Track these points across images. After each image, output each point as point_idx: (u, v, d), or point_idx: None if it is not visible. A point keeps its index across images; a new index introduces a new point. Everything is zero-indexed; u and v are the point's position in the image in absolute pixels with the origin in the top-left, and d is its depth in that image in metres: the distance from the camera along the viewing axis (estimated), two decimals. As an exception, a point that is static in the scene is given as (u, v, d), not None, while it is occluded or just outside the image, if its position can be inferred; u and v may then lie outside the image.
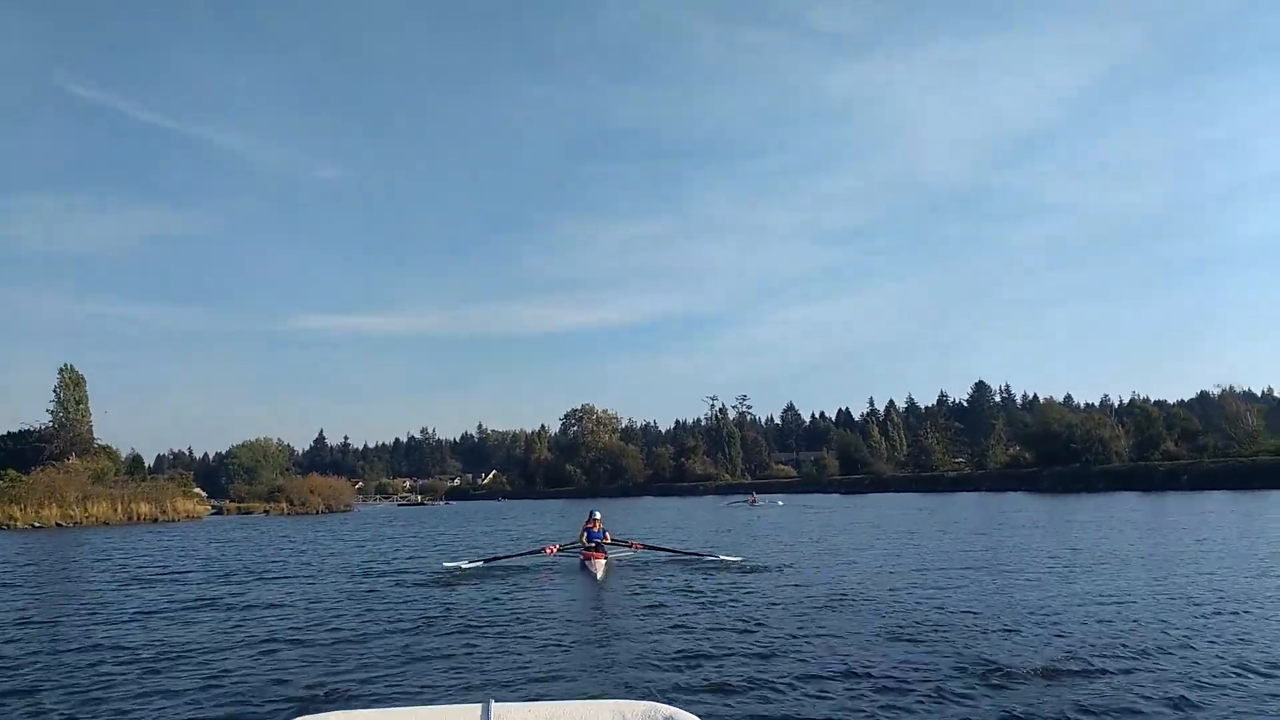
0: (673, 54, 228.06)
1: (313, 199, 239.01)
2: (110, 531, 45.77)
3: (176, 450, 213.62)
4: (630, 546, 19.65)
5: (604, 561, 17.36)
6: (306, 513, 72.05)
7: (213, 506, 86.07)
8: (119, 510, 55.87)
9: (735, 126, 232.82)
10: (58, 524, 51.98)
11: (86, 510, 54.14)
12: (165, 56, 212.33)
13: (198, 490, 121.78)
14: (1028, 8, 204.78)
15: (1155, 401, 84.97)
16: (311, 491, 75.04)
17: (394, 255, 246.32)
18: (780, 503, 66.75)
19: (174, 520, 58.85)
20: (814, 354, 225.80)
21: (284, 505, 72.58)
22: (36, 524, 51.06)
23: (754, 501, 67.52)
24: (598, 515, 19.16)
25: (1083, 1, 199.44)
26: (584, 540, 18.60)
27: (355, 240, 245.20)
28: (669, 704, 3.34)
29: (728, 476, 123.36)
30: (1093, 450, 74.04)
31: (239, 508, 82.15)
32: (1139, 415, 79.52)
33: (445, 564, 18.36)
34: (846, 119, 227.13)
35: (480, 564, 18.12)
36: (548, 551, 19.44)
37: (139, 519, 56.73)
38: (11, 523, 50.12)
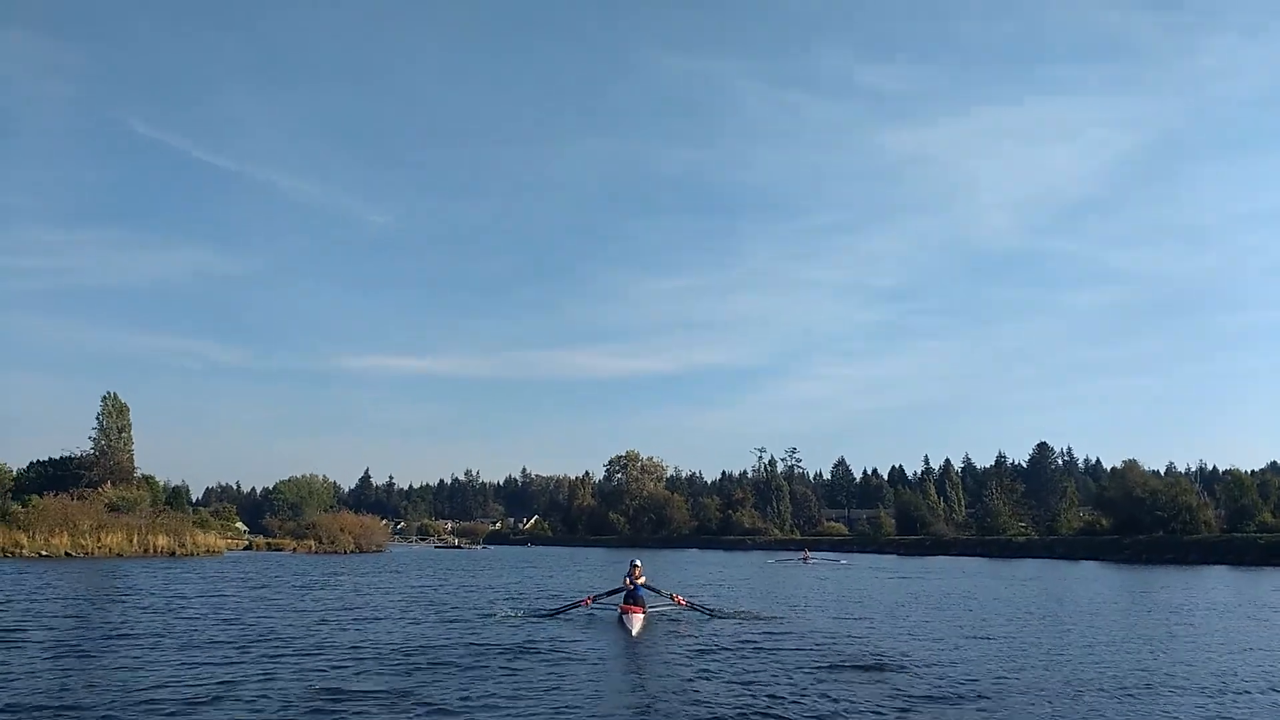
0: (721, 110, 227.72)
1: (363, 243, 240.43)
2: (110, 564, 42.26)
3: (225, 484, 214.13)
4: (673, 600, 18.88)
5: (641, 616, 16.67)
6: (335, 551, 68.44)
7: (245, 541, 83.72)
8: (134, 542, 52.43)
9: (783, 183, 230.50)
10: (67, 553, 48.62)
11: (99, 540, 50.73)
12: (224, 99, 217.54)
13: (239, 524, 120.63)
14: (1073, 78, 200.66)
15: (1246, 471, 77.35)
16: (341, 530, 71.27)
17: (440, 300, 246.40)
18: (843, 562, 61.71)
19: (191, 555, 55.25)
20: (864, 411, 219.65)
21: (312, 543, 68.89)
22: (44, 552, 47.71)
23: (806, 559, 63.28)
24: (638, 564, 18.60)
25: (1127, 72, 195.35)
26: (623, 591, 18.03)
27: (402, 284, 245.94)
28: None
29: (777, 532, 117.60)
30: (1179, 519, 67.17)
31: (268, 544, 79.61)
32: (1229, 482, 72.43)
33: (493, 614, 18.17)
34: (896, 179, 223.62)
35: (521, 615, 18.22)
36: (585, 603, 18.82)
37: (155, 551, 53.23)
38: (17, 550, 46.80)
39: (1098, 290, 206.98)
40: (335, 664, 12.34)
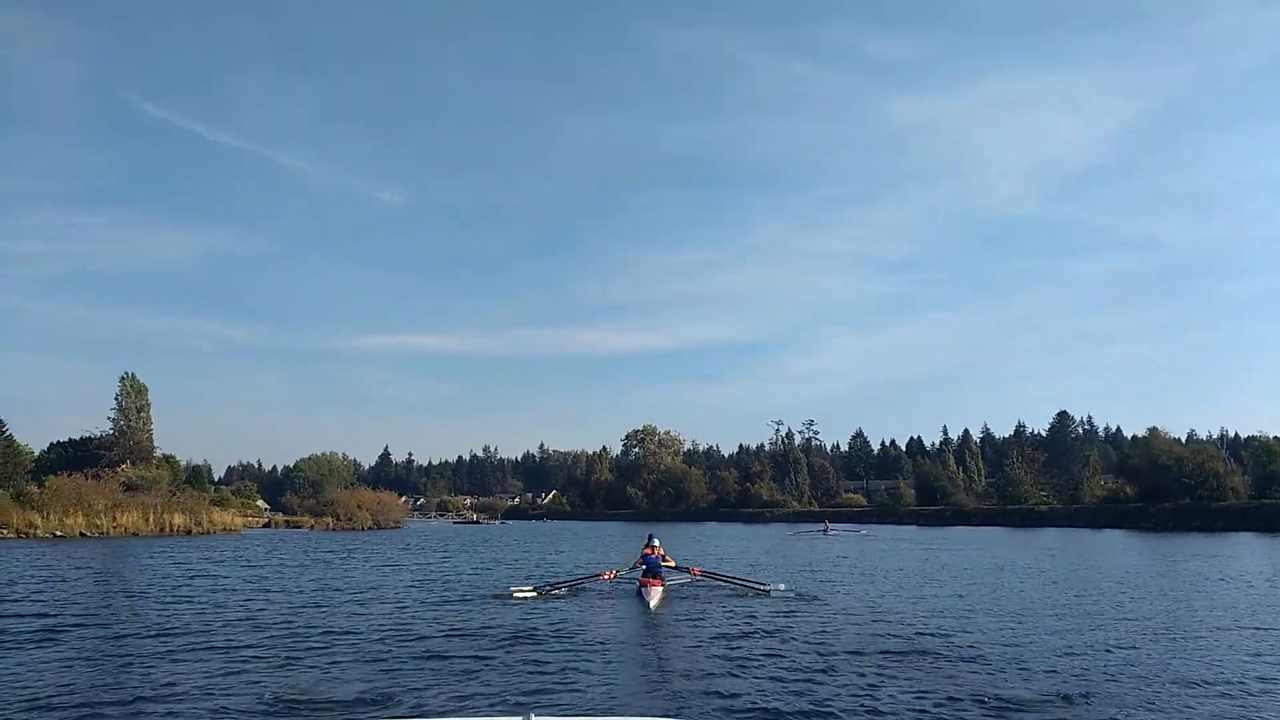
0: (725, 83, 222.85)
1: (373, 222, 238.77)
2: (122, 543, 41.76)
3: (246, 463, 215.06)
4: (690, 573, 19.10)
5: (660, 588, 17.00)
6: (353, 528, 68.10)
7: (265, 519, 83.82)
8: (150, 521, 52.01)
9: (788, 155, 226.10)
10: (82, 534, 48.21)
11: (115, 520, 50.31)
12: (233, 81, 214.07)
13: (259, 502, 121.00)
14: (1078, 46, 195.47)
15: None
16: (359, 506, 70.89)
17: (450, 278, 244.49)
18: (864, 532, 60.87)
19: (208, 533, 54.85)
20: (875, 382, 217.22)
21: (329, 520, 68.51)
22: (59, 533, 47.33)
23: (827, 530, 62.78)
24: (656, 541, 18.95)
25: (1132, 40, 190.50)
26: (642, 565, 18.31)
27: (412, 263, 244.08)
28: None
29: (795, 504, 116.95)
30: (1205, 485, 65.84)
31: (287, 521, 79.59)
32: (1257, 449, 70.81)
33: (513, 590, 17.90)
34: (902, 150, 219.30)
35: (543, 588, 18.13)
36: (605, 577, 19.18)
37: (171, 530, 52.80)
38: (31, 530, 46.41)
39: (1104, 259, 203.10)
40: (305, 653, 11.41)
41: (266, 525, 78.04)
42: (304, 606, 16.18)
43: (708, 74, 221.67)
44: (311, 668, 10.13)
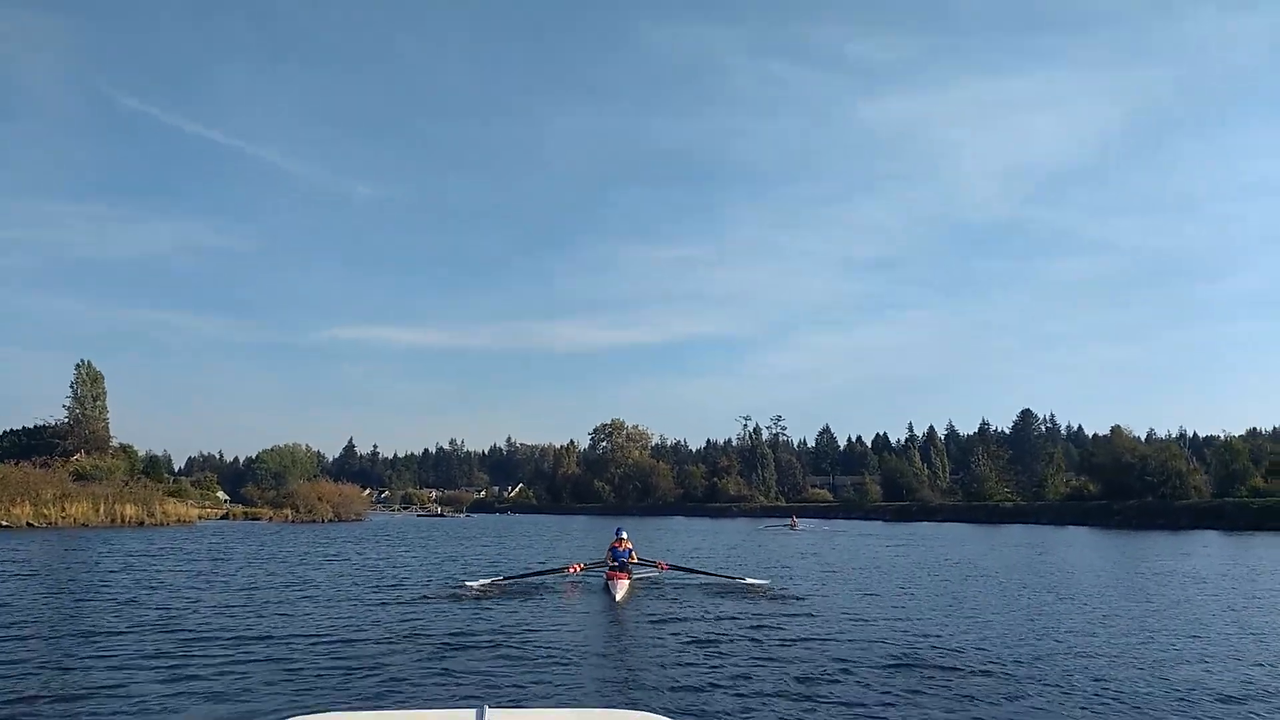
0: (711, 82, 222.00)
1: (350, 216, 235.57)
2: (74, 534, 40.08)
3: (208, 454, 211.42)
4: (657, 566, 18.99)
5: (627, 582, 16.87)
6: (313, 520, 66.63)
7: (224, 510, 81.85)
8: (101, 511, 50.17)
9: (769, 154, 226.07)
10: (29, 524, 46.34)
11: (64, 510, 48.43)
12: (215, 75, 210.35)
13: (219, 494, 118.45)
14: (1058, 48, 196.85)
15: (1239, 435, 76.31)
16: (319, 498, 69.31)
17: (428, 272, 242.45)
18: (826, 528, 60.53)
19: (161, 524, 53.07)
20: (849, 380, 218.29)
21: (288, 512, 66.90)
22: (4, 523, 45.41)
23: (794, 525, 62.36)
24: (624, 534, 18.86)
25: (1112, 43, 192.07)
26: (609, 559, 18.19)
27: (391, 258, 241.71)
28: (666, 716, 3.13)
29: (762, 499, 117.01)
30: (1169, 484, 66.09)
31: (246, 513, 77.71)
32: (1220, 448, 71.32)
33: (468, 582, 17.73)
34: (881, 150, 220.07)
35: (501, 580, 17.92)
36: (572, 570, 18.96)
37: (123, 521, 51.01)
38: (-26, 521, 44.51)
39: (1081, 260, 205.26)
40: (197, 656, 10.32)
41: (224, 517, 76.22)
42: (231, 605, 14.94)
43: (693, 71, 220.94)
44: (218, 674, 9.01)
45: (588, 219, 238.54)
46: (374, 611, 13.97)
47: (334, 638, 11.27)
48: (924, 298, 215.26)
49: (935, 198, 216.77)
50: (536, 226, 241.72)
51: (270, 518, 68.48)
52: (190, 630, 11.91)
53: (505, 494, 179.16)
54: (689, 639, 11.23)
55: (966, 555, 30.45)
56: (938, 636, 11.77)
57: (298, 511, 67.57)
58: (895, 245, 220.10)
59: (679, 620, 13.13)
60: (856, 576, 21.40)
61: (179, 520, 56.55)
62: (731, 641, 11.10)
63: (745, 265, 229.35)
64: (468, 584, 17.42)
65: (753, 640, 11.21)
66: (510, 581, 17.86)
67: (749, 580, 18.19)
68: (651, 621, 13.01)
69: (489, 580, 17.81)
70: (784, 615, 13.77)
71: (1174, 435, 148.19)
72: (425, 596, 16.12)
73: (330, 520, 68.54)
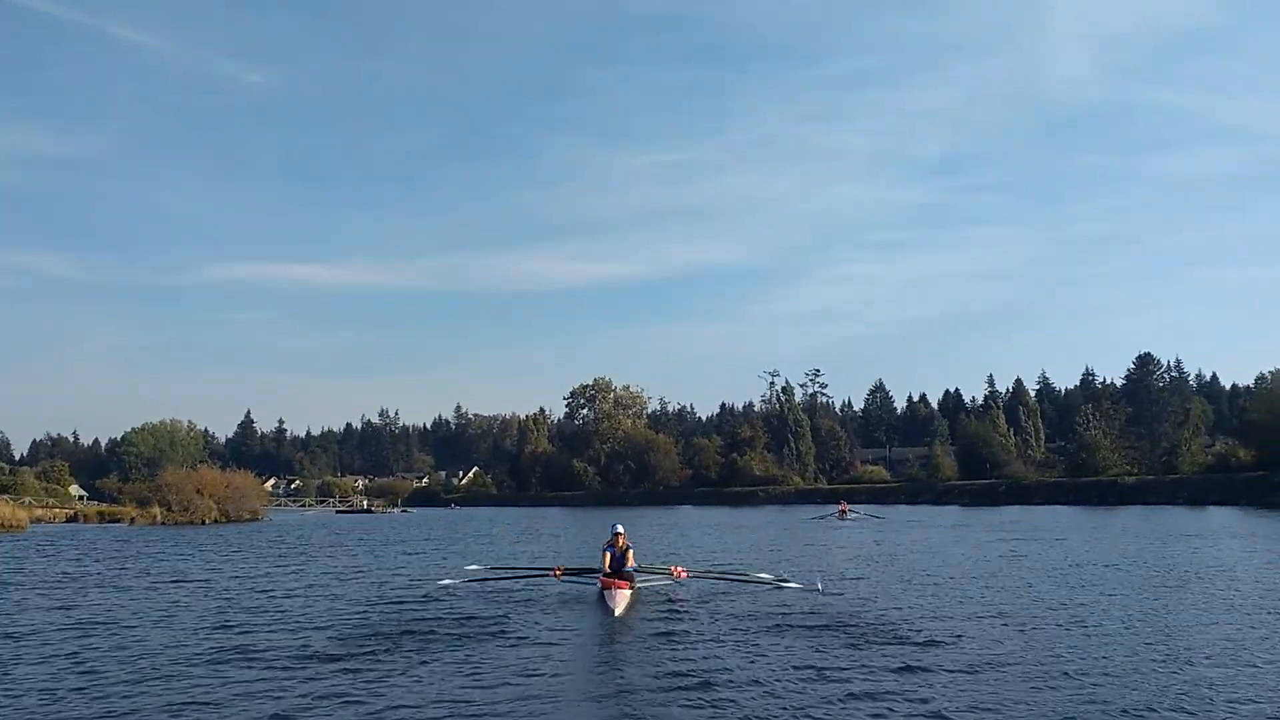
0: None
1: (233, 112, 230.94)
2: None
3: (59, 435, 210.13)
4: (671, 574, 18.98)
5: (628, 592, 16.90)
6: (190, 521, 64.39)
7: (73, 510, 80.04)
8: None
9: (794, 18, 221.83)
10: None
11: None
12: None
13: (72, 488, 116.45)
14: None
15: None
16: (199, 491, 66.86)
17: (340, 187, 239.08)
18: (883, 516, 59.96)
19: (-25, 531, 50.69)
20: (904, 320, 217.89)
21: (156, 511, 64.60)
22: None
23: (844, 513, 62.30)
24: (620, 529, 18.88)
25: None
26: (605, 563, 18.16)
27: (289, 167, 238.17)
28: None
29: (798, 480, 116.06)
30: (1354, 448, 64.90)
31: (102, 512, 75.70)
32: None
33: (440, 582, 19.18)
34: (942, 9, 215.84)
35: (478, 576, 19.77)
36: (553, 574, 19.16)
37: (-78, 528, 48.58)
38: None
39: (1204, 153, 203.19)
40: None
41: (72, 519, 74.40)
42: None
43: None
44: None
45: (552, 111, 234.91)
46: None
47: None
48: (1001, 208, 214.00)
49: (1013, 74, 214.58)
50: (483, 122, 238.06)
51: (133, 519, 66.19)
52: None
53: (456, 480, 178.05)
54: (704, 674, 10.80)
55: (1107, 553, 28.13)
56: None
57: (170, 510, 65.16)
58: (962, 139, 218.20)
59: (694, 641, 13.11)
60: (964, 589, 18.98)
61: (4, 526, 54.23)
62: (781, 672, 10.92)
63: (762, 171, 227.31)
64: (442, 584, 19.01)
65: (811, 665, 11.17)
66: (487, 579, 19.41)
67: (818, 586, 18.39)
68: (654, 645, 12.89)
69: (462, 580, 19.21)
70: (843, 632, 13.59)
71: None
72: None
73: (216, 520, 66.44)
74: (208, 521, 65.61)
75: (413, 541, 42.65)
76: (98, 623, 15.90)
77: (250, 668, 11.60)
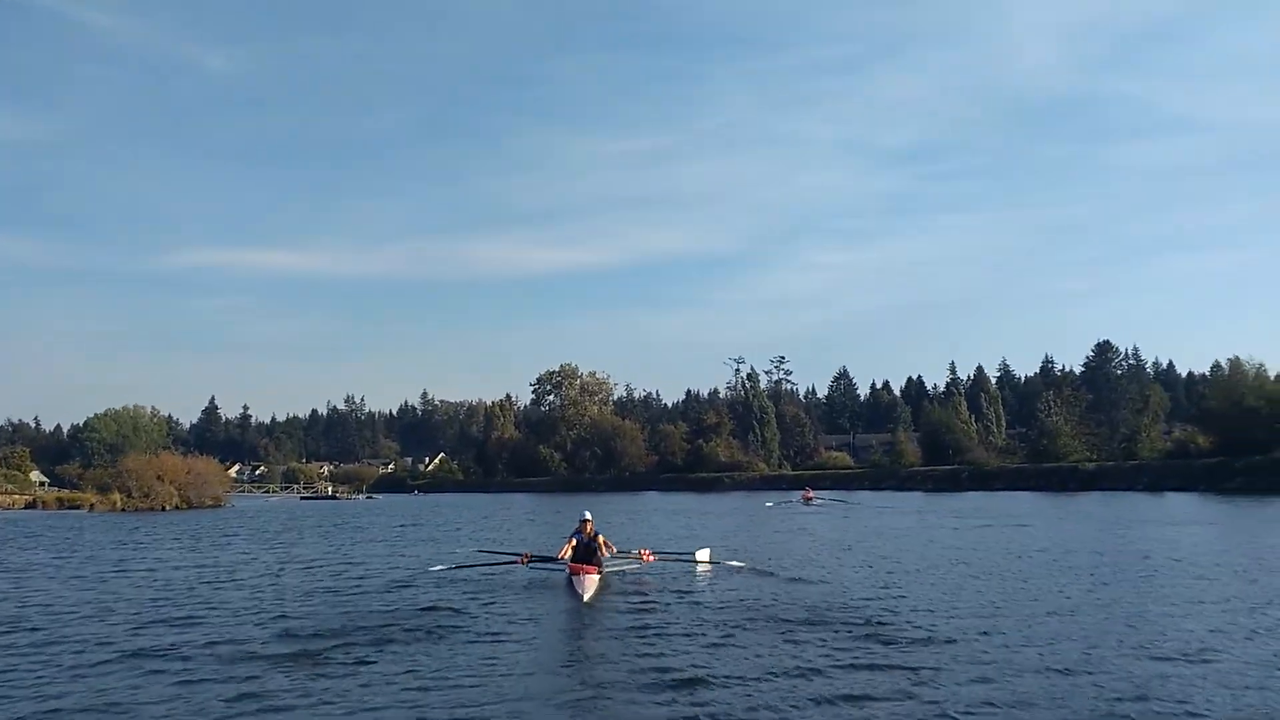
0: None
1: (196, 95, 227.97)
2: None
3: (19, 421, 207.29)
4: (640, 557, 19.46)
5: (597, 577, 17.11)
6: (151, 508, 63.65)
7: (31, 497, 79.33)
8: None
9: (759, 6, 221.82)
10: None
11: None
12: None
13: (34, 474, 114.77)
14: None
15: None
16: (160, 477, 66.01)
17: (304, 173, 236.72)
18: (853, 501, 60.17)
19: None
20: (869, 309, 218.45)
21: (116, 498, 63.82)
22: None
23: (809, 499, 62.05)
24: (587, 515, 18.97)
25: None
26: (571, 549, 18.22)
27: (252, 152, 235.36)
28: None
29: (763, 466, 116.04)
30: (1315, 434, 65.15)
31: (61, 498, 75.15)
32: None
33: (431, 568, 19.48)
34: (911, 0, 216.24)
35: (445, 568, 19.43)
36: (519, 562, 19.32)
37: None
38: None
39: (1166, 143, 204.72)
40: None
41: (31, 505, 73.72)
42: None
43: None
44: None
45: (517, 98, 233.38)
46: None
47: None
48: (967, 197, 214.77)
49: (980, 64, 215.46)
50: (448, 109, 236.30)
51: (91, 505, 65.43)
52: None
53: (422, 467, 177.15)
54: (670, 655, 11.12)
55: (1078, 539, 28.06)
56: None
57: (129, 497, 64.34)
58: (928, 128, 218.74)
59: (664, 623, 13.33)
60: (933, 575, 18.77)
61: (-42, 512, 53.31)
62: (744, 654, 11.12)
63: (729, 158, 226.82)
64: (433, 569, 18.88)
65: (771, 651, 11.27)
66: (454, 569, 19.15)
67: (733, 563, 19.18)
68: (624, 630, 12.96)
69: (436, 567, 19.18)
70: (810, 610, 14.00)
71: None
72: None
73: (177, 507, 65.69)
74: (168, 508, 65.05)
75: (376, 528, 42.11)
76: (30, 615, 15.32)
77: (181, 665, 11.00)
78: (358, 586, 18.36)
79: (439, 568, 19.99)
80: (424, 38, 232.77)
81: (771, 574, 18.97)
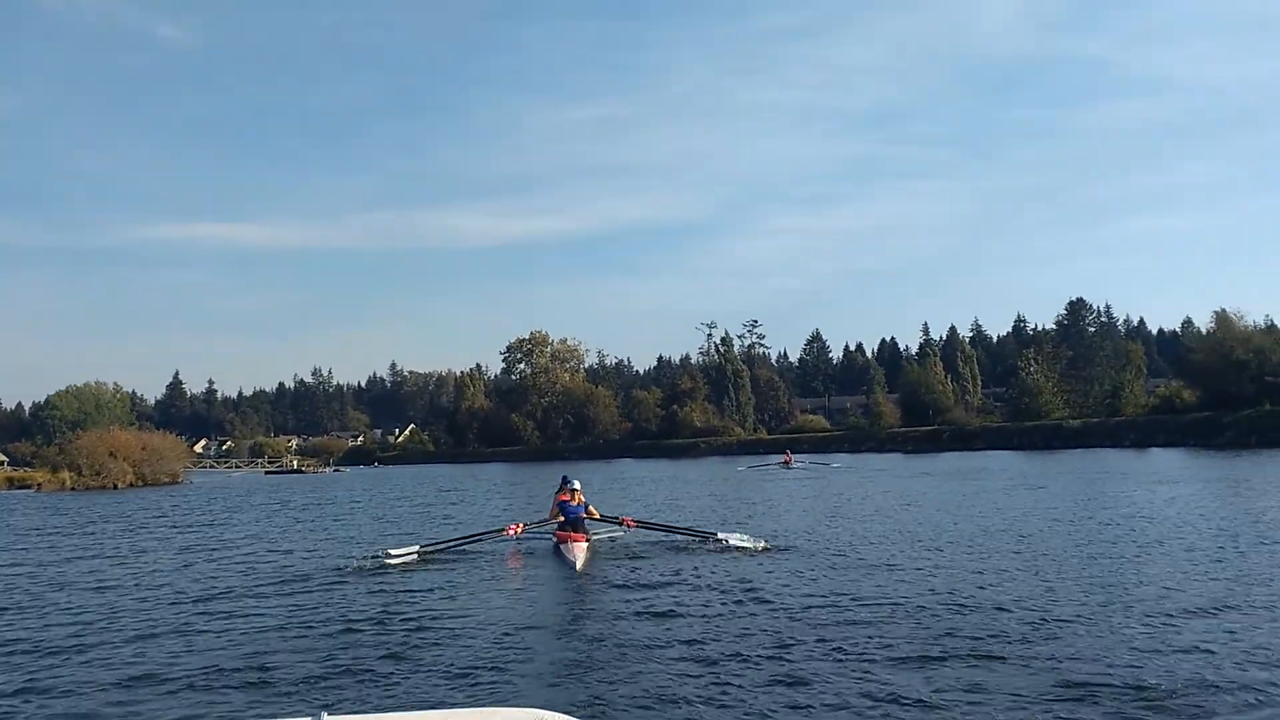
0: None
1: (153, 67, 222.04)
2: None
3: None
4: (622, 524, 19.07)
5: (586, 544, 16.99)
6: (102, 486, 60.82)
7: None
8: None
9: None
10: None
11: None
12: None
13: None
14: None
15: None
16: (113, 454, 63.05)
17: (265, 145, 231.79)
18: (836, 464, 59.22)
19: None
20: (838, 273, 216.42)
21: (65, 476, 60.82)
22: None
23: (789, 462, 60.53)
24: (576, 485, 18.94)
25: None
26: (556, 516, 18.29)
27: (211, 125, 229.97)
28: (556, 711, 3.21)
29: (739, 431, 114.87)
30: (1298, 385, 63.67)
31: (11, 478, 72.62)
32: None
33: (390, 554, 17.20)
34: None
35: (416, 554, 17.45)
36: (510, 532, 18.84)
37: None
38: None
39: (1128, 105, 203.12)
40: None
41: (-21, 485, 70.64)
42: None
43: None
44: None
45: (480, 68, 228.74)
46: None
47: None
48: (932, 161, 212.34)
49: (941, 26, 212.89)
50: (410, 78, 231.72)
51: (40, 485, 62.33)
52: None
53: (392, 438, 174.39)
54: (667, 622, 10.94)
55: (1070, 494, 25.42)
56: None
57: (80, 474, 61.40)
58: (893, 93, 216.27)
59: (655, 592, 13.04)
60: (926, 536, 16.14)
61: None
62: (734, 624, 10.69)
63: (693, 125, 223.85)
64: (394, 553, 16.97)
65: (759, 621, 10.81)
66: (433, 552, 17.63)
67: (734, 540, 17.46)
68: (617, 596, 12.96)
69: (403, 553, 17.11)
70: (805, 583, 13.34)
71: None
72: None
73: (131, 485, 62.90)
74: (121, 486, 62.52)
75: (324, 506, 39.17)
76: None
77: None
78: (324, 577, 15.28)
79: (445, 543, 18.09)
80: (384, 7, 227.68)
81: (788, 549, 17.09)
